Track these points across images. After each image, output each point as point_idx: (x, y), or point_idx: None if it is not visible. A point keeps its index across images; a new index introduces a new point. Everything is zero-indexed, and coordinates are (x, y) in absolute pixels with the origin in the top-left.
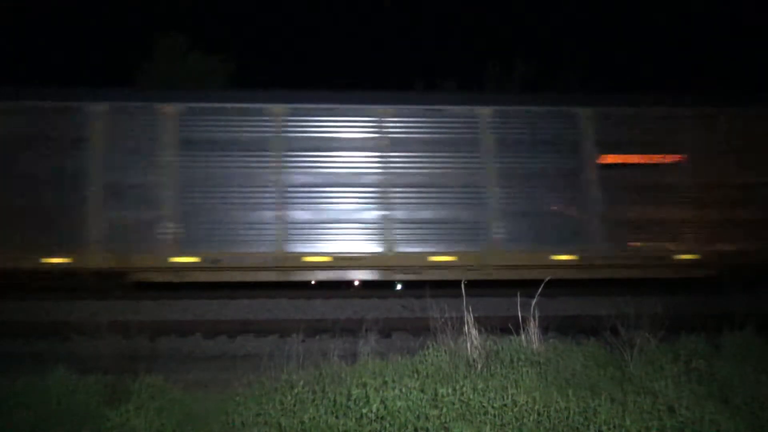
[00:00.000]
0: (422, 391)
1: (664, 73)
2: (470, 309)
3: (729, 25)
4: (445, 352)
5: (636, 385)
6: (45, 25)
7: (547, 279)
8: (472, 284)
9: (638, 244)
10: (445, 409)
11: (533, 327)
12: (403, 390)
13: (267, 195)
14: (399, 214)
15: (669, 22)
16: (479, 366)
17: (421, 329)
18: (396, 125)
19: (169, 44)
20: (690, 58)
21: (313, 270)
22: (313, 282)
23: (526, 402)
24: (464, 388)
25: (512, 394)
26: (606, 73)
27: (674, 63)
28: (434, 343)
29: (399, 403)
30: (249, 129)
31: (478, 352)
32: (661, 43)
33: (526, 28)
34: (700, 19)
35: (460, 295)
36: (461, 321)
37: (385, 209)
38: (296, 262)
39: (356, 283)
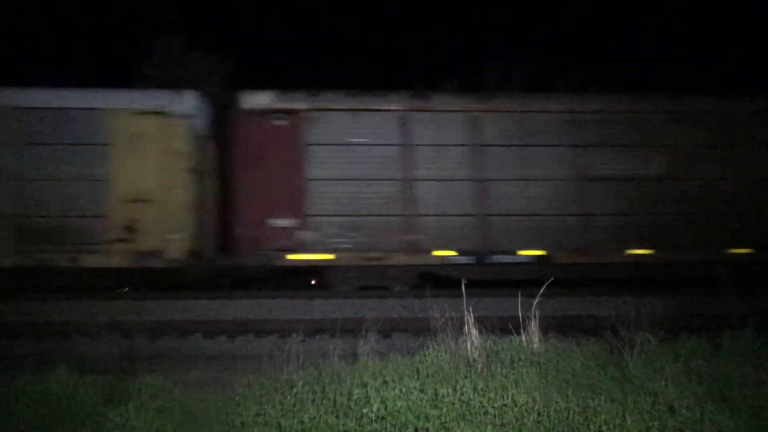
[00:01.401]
0: (422, 391)
1: (666, 72)
2: (470, 309)
3: (729, 24)
4: (445, 352)
5: (636, 385)
6: (42, 25)
7: (550, 280)
8: (471, 284)
9: None
10: (445, 409)
11: (533, 327)
12: (404, 390)
13: None
14: None
15: (671, 21)
16: (479, 366)
17: (421, 329)
18: None
19: (168, 44)
20: (691, 56)
21: None
22: (313, 282)
23: (526, 402)
24: (464, 388)
25: (512, 394)
26: (608, 73)
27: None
28: (434, 343)
29: (399, 403)
30: None
31: (478, 352)
32: (663, 42)
33: (525, 28)
34: (701, 18)
35: (460, 295)
36: (461, 321)
37: None
38: None
39: None
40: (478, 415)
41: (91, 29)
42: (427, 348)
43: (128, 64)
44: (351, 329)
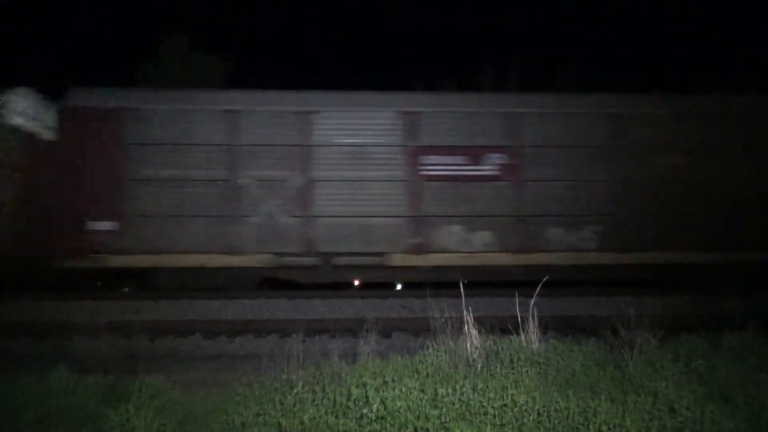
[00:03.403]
0: (422, 391)
1: (665, 71)
2: (470, 309)
3: (730, 23)
4: (445, 352)
5: (636, 385)
6: (47, 25)
7: (545, 279)
8: (471, 284)
9: None
10: (445, 409)
11: (533, 327)
12: (403, 390)
13: None
14: None
15: (670, 19)
16: (479, 366)
17: (421, 329)
18: None
19: (172, 45)
20: (691, 55)
21: None
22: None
23: (526, 402)
24: (464, 388)
25: (512, 394)
26: (605, 72)
27: (675, 60)
28: (434, 343)
29: (399, 403)
30: None
31: (478, 352)
32: (661, 40)
33: (523, 27)
34: (701, 17)
35: (460, 295)
36: (461, 321)
37: None
38: None
39: (356, 282)
40: (477, 415)
41: (94, 29)
42: (427, 348)
43: (131, 64)
44: (351, 329)
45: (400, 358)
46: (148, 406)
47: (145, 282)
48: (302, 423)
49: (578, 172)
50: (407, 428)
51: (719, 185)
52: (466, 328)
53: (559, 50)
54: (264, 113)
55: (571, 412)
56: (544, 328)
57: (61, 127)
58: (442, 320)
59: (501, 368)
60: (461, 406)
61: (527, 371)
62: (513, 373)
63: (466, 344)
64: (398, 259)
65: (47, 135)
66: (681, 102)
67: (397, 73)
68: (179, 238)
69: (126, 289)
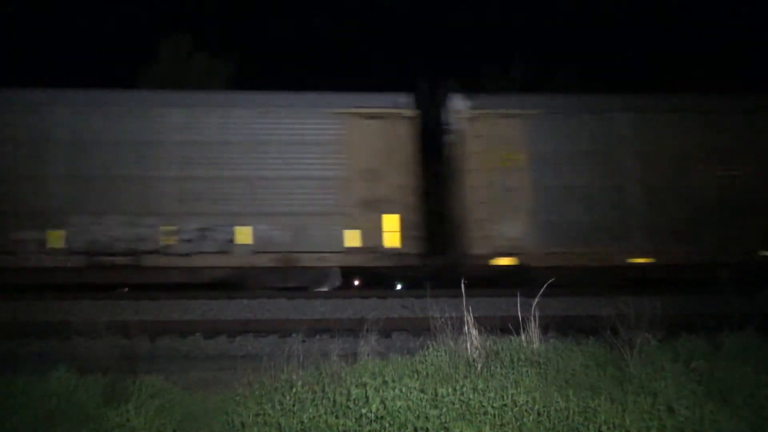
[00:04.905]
0: (422, 391)
1: (663, 71)
2: (470, 309)
3: (728, 23)
4: (445, 352)
5: (636, 385)
6: (50, 25)
7: (550, 280)
8: (471, 284)
9: None
10: (445, 409)
11: (533, 327)
12: (403, 390)
13: None
14: None
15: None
16: (479, 366)
17: (421, 329)
18: None
19: (174, 45)
20: (688, 55)
21: None
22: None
23: (526, 402)
24: (464, 388)
25: (512, 394)
26: (604, 72)
27: (673, 61)
28: (434, 343)
29: (399, 403)
30: None
31: (478, 352)
32: (659, 42)
33: (523, 27)
34: (699, 17)
35: (460, 295)
36: (461, 321)
37: None
38: None
39: (356, 282)
40: (477, 415)
41: (97, 29)
42: (427, 348)
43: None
44: (351, 329)
45: (400, 358)
46: (148, 406)
47: None
48: (302, 423)
49: None
50: (407, 428)
51: None
52: (466, 328)
53: (559, 50)
54: None
55: (571, 412)
56: (544, 328)
57: None
58: (442, 320)
59: (501, 368)
60: (461, 406)
61: (527, 371)
62: (513, 373)
63: (466, 344)
64: None
65: None
66: None
67: (400, 73)
68: None
69: (126, 289)
